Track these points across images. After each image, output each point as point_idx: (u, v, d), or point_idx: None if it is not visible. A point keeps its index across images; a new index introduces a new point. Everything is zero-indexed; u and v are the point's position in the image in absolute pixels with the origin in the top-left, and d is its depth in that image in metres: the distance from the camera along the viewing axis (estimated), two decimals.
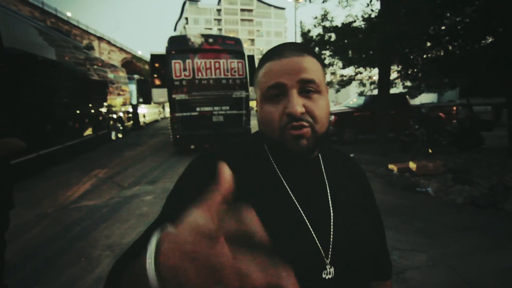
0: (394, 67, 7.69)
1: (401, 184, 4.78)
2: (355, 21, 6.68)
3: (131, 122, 14.11)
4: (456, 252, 2.75)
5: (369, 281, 0.68)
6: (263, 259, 0.27)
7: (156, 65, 8.07)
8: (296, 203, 0.56)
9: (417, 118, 7.26)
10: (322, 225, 0.55)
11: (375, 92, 8.01)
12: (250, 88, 7.83)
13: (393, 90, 8.57)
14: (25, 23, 5.77)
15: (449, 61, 6.19)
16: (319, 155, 0.64)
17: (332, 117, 9.10)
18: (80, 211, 3.97)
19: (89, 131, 8.66)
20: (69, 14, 24.92)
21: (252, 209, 0.29)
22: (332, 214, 0.57)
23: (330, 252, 0.54)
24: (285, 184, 0.57)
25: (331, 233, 0.55)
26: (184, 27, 69.22)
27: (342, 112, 9.44)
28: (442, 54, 6.61)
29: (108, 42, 31.18)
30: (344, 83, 8.42)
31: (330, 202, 0.58)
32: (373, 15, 6.34)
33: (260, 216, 0.41)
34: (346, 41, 6.61)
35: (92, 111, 9.08)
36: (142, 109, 16.12)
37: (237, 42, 7.70)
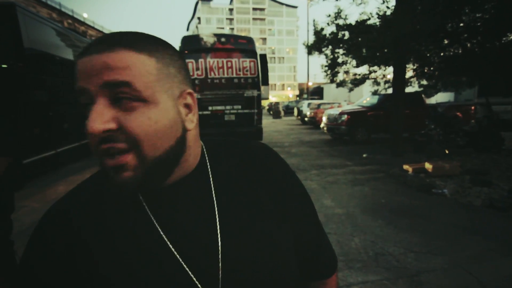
0: (410, 66, 7.53)
1: (416, 185, 4.68)
2: (369, 19, 6.59)
3: None
4: (473, 256, 2.67)
5: (306, 282, 0.61)
6: None
7: None
8: (166, 239, 0.43)
9: (433, 118, 7.10)
10: (207, 267, 0.43)
11: (390, 91, 7.87)
12: (262, 87, 7.83)
13: (408, 89, 8.41)
14: (43, 24, 5.95)
15: (467, 59, 6.02)
16: (208, 164, 0.50)
17: (345, 116, 9.00)
18: None
19: None
20: (85, 15, 25.56)
21: None
22: (219, 239, 0.44)
23: (220, 285, 0.43)
24: (154, 222, 0.44)
25: (219, 263, 0.44)
26: (197, 27, 69.80)
27: (355, 111, 9.31)
28: (460, 51, 6.42)
29: None
30: (358, 81, 8.32)
31: (217, 225, 0.45)
32: (388, 12, 6.23)
33: (126, 274, 0.40)
34: (360, 39, 6.52)
35: None
36: None
37: (249, 41, 7.71)
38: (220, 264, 0.44)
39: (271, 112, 23.11)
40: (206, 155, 0.51)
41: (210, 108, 7.53)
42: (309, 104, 17.40)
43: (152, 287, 0.41)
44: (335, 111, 9.78)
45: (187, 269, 0.43)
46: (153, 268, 0.42)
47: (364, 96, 11.48)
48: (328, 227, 3.30)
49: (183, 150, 0.45)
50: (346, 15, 6.74)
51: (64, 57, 6.71)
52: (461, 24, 6.11)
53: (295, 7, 79.03)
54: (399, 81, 6.73)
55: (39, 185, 5.20)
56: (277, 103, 24.89)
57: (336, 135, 9.75)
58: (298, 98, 50.06)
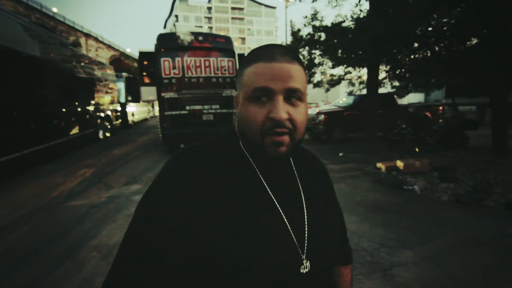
0: (383, 67, 7.80)
1: (389, 182, 4.86)
2: (344, 21, 6.75)
3: (120, 120, 13.85)
4: (442, 249, 2.81)
5: (334, 267, 0.75)
6: None
7: (145, 62, 7.96)
8: (276, 203, 0.58)
9: (405, 118, 7.40)
10: (298, 223, 0.59)
11: (364, 91, 8.12)
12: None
13: (381, 90, 8.70)
14: (8, 18, 5.59)
15: (435, 62, 6.33)
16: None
17: (322, 116, 9.18)
18: (67, 212, 3.88)
19: (75, 130, 8.47)
20: (55, 9, 24.28)
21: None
22: (305, 211, 0.61)
23: (305, 248, 0.57)
24: (265, 185, 0.59)
25: (306, 229, 0.59)
26: (174, 25, 68.46)
27: (332, 111, 9.53)
28: (429, 54, 6.74)
29: (96, 39, 30.56)
30: (334, 82, 8.51)
31: (303, 200, 0.62)
32: (362, 15, 6.42)
33: (243, 218, 0.54)
34: (335, 40, 6.67)
35: (79, 109, 8.89)
36: (131, 108, 15.87)
37: (228, 40, 7.67)
38: (306, 227, 0.59)
39: None
40: None
41: (187, 107, 7.40)
42: None
43: (262, 230, 0.54)
44: (312, 111, 9.96)
45: (286, 221, 0.57)
46: (264, 216, 0.56)
47: (341, 97, 11.78)
48: None
49: None
50: (322, 17, 6.87)
51: (31, 54, 6.34)
52: (430, 28, 6.41)
53: (274, 7, 79.65)
54: (373, 82, 6.96)
55: (2, 189, 4.88)
56: None
57: (314, 134, 9.93)
58: None
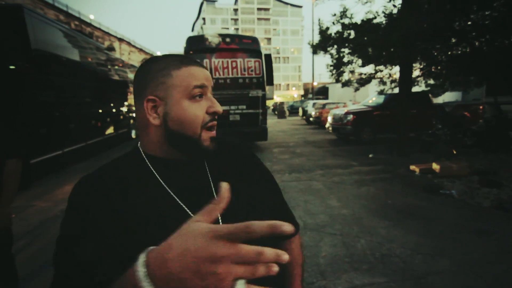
0: (417, 65, 7.44)
1: (423, 186, 4.62)
2: (375, 18, 6.51)
3: None
4: (482, 258, 2.62)
5: (278, 242, 0.76)
6: None
7: None
8: (181, 203, 0.59)
9: (440, 117, 7.00)
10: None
11: (396, 90, 7.79)
12: (267, 87, 7.80)
13: (415, 89, 8.30)
14: (50, 26, 6.02)
15: (475, 58, 5.92)
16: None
17: (351, 116, 8.93)
18: None
19: (110, 130, 8.94)
20: (91, 16, 25.80)
21: None
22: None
23: None
24: (171, 193, 0.60)
25: (219, 218, 0.58)
26: (202, 27, 70.05)
27: (361, 111, 9.24)
28: (468, 50, 6.32)
29: (128, 43, 32.06)
30: (363, 81, 8.24)
31: (214, 193, 0.63)
32: (395, 11, 6.16)
33: (151, 224, 0.55)
34: (365, 38, 6.45)
35: (113, 110, 9.36)
36: None
37: (254, 41, 7.70)
38: (220, 222, 0.58)
39: (276, 112, 23.07)
40: None
41: None
42: (314, 104, 17.33)
43: (162, 224, 0.55)
44: (340, 111, 9.72)
45: (188, 211, 0.59)
46: (161, 210, 0.57)
47: (370, 96, 11.40)
48: (333, 228, 3.28)
49: None
50: (351, 14, 6.67)
51: (71, 58, 6.78)
52: (469, 23, 6.01)
53: (300, 6, 78.84)
54: (406, 80, 6.65)
55: (45, 184, 5.26)
56: (282, 103, 24.82)
57: (341, 135, 9.69)
58: (303, 98, 49.90)
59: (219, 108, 0.62)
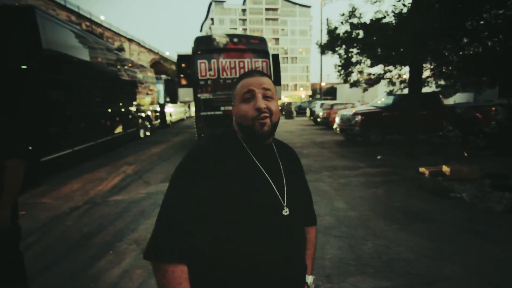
0: (427, 65, 7.30)
1: (433, 189, 4.53)
2: (384, 17, 6.42)
3: (158, 120, 14.56)
4: (493, 264, 2.55)
5: (304, 226, 1.02)
6: None
7: (183, 65, 8.25)
8: (264, 172, 0.87)
9: (451, 119, 6.86)
10: (279, 184, 0.88)
11: (406, 91, 7.66)
12: (275, 87, 7.76)
13: (425, 89, 8.16)
14: (62, 26, 6.12)
15: (488, 58, 5.77)
16: (273, 144, 0.96)
17: (359, 117, 8.83)
18: (109, 205, 4.14)
19: (119, 129, 9.04)
20: (102, 17, 26.15)
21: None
22: (284, 178, 0.91)
23: (285, 199, 0.87)
24: (255, 160, 0.88)
25: (285, 189, 0.89)
26: (210, 28, 70.36)
27: (369, 112, 9.12)
28: (480, 50, 6.17)
29: (138, 44, 32.39)
30: (372, 81, 8.14)
31: (282, 171, 0.92)
32: (404, 10, 6.05)
33: (241, 181, 0.82)
34: (374, 38, 6.37)
35: (122, 109, 9.47)
36: (169, 108, 16.60)
37: (262, 41, 7.69)
38: (285, 188, 0.89)
39: (283, 113, 22.98)
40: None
41: (222, 108, 7.55)
42: (322, 105, 17.20)
43: (255, 187, 0.84)
44: (348, 112, 9.61)
45: (271, 182, 0.87)
46: (256, 179, 0.85)
47: (379, 97, 11.25)
48: (339, 230, 3.24)
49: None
50: (360, 14, 6.59)
51: (81, 59, 6.88)
52: (481, 22, 5.86)
53: (309, 6, 78.42)
54: (416, 81, 6.53)
55: (54, 182, 5.35)
56: (289, 104, 24.70)
57: (349, 136, 9.59)
58: (310, 99, 49.63)
59: (259, 104, 0.85)
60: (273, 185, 0.86)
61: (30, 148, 4.91)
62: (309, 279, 0.99)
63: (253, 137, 0.87)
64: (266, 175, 0.86)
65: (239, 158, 0.86)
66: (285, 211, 0.86)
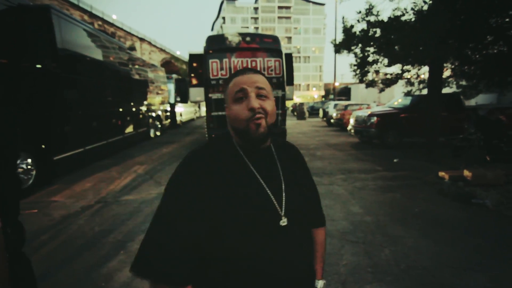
0: (448, 64, 7.00)
1: (454, 194, 4.31)
2: (403, 15, 6.18)
3: (169, 120, 14.63)
4: None
5: (311, 228, 0.97)
6: None
7: (194, 64, 8.21)
8: (260, 179, 0.81)
9: (474, 121, 6.54)
10: (277, 191, 0.81)
11: (425, 91, 7.39)
12: (287, 87, 7.63)
13: (445, 90, 7.86)
14: (76, 26, 6.18)
15: None
16: (271, 145, 0.89)
17: (374, 119, 8.58)
18: (120, 205, 4.12)
19: (130, 129, 9.11)
20: (114, 16, 26.57)
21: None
22: (283, 184, 0.83)
23: (283, 208, 0.80)
24: (251, 167, 0.82)
25: (283, 196, 0.81)
26: (221, 27, 70.59)
27: (386, 113, 8.86)
28: (506, 49, 5.87)
29: (149, 43, 32.80)
30: (389, 81, 7.88)
31: (281, 176, 0.84)
32: (425, 7, 5.80)
33: (232, 192, 0.76)
34: (392, 36, 6.14)
35: (133, 109, 9.54)
36: (179, 108, 16.66)
37: (275, 40, 7.56)
38: (283, 195, 0.81)
39: (295, 113, 22.74)
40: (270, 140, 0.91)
41: None
42: (335, 105, 16.93)
43: (248, 196, 0.77)
44: (363, 113, 9.37)
45: (267, 190, 0.80)
46: (249, 186, 0.79)
47: (396, 97, 10.93)
48: (355, 236, 3.10)
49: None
50: (378, 11, 6.37)
51: (95, 58, 6.94)
52: (507, 19, 5.56)
53: (323, 4, 77.57)
54: (436, 81, 6.28)
55: (66, 181, 5.39)
56: (301, 104, 24.41)
57: (364, 138, 9.34)
58: (323, 99, 49.10)
59: (252, 103, 0.77)
60: (270, 193, 0.80)
61: (43, 146, 4.97)
62: (319, 283, 0.94)
63: (248, 141, 0.81)
64: (263, 183, 0.80)
65: (233, 166, 0.80)
66: (283, 221, 0.78)
